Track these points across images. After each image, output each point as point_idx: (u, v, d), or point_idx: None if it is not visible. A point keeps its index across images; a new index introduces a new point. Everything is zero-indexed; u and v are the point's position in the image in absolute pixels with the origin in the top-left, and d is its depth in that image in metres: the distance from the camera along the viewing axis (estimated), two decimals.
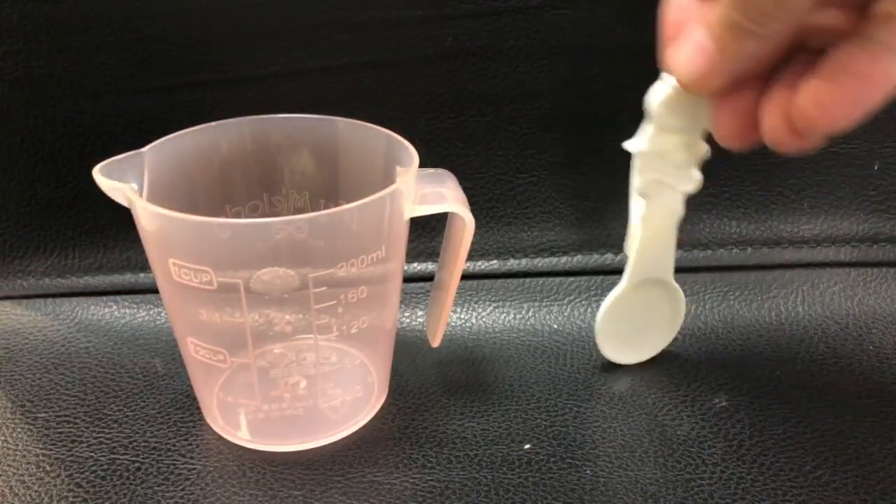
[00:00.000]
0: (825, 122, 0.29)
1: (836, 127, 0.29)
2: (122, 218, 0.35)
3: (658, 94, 0.35)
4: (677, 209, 0.38)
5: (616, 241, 0.47)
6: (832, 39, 0.29)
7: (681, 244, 0.47)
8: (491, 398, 0.39)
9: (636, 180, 0.37)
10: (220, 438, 0.37)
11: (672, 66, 0.32)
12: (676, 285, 0.40)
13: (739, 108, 0.31)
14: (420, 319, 0.46)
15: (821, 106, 0.28)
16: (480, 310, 0.46)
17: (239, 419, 0.37)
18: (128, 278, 0.47)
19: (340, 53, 0.42)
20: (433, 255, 0.47)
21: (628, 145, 0.36)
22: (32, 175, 0.45)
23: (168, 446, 0.36)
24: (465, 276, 0.46)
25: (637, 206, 0.38)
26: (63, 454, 0.36)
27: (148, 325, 0.45)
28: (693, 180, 0.37)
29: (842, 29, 0.29)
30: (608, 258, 0.47)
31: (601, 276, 0.47)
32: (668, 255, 0.40)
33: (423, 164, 0.35)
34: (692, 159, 0.36)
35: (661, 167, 0.36)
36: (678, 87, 0.33)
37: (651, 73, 0.43)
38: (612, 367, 0.42)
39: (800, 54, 0.30)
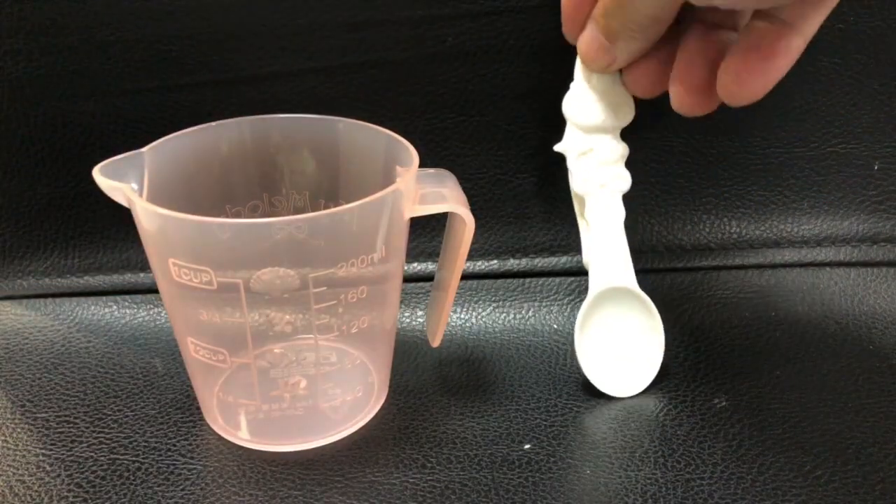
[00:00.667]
0: (744, 93, 0.33)
1: (754, 96, 0.33)
2: (122, 218, 0.35)
3: (568, 96, 0.39)
4: (618, 209, 0.40)
5: None
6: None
7: (681, 244, 0.47)
8: (491, 398, 0.39)
9: (571, 181, 0.40)
10: (220, 438, 0.37)
11: (579, 51, 0.37)
12: (645, 295, 0.39)
13: (645, 72, 0.37)
14: (420, 319, 0.46)
15: (739, 79, 0.33)
16: (480, 310, 0.46)
17: (239, 419, 0.37)
18: (128, 278, 0.47)
19: (340, 53, 0.42)
20: (433, 255, 0.47)
21: (557, 147, 0.40)
22: (32, 175, 0.45)
23: (168, 446, 0.36)
24: (465, 276, 0.46)
25: (579, 209, 0.41)
26: (63, 454, 0.36)
27: (148, 325, 0.45)
28: (624, 179, 0.40)
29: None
30: None
31: None
32: (624, 260, 0.39)
33: (423, 164, 0.35)
34: (617, 157, 0.39)
35: (589, 166, 0.39)
36: (584, 88, 0.39)
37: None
38: None
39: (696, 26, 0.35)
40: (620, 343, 0.40)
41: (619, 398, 0.39)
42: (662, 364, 0.41)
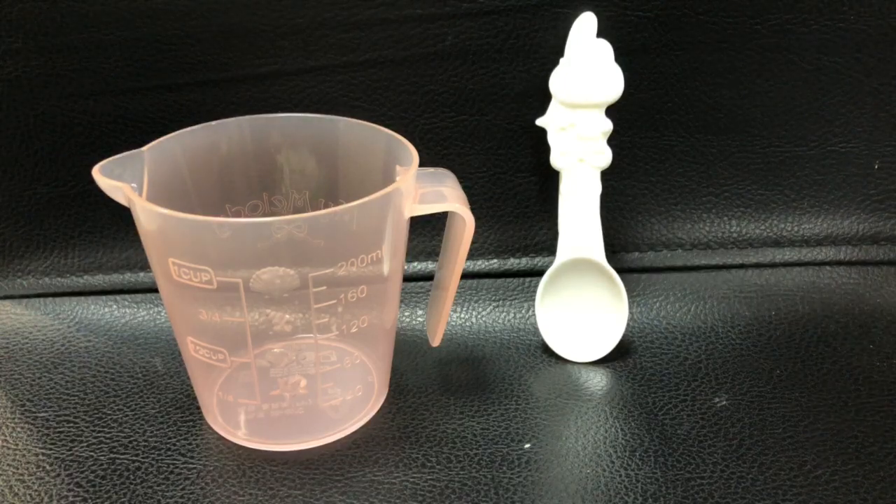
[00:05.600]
0: None
1: None
2: (122, 218, 0.35)
3: (555, 73, 0.41)
4: (594, 184, 0.41)
5: (615, 241, 0.47)
6: None
7: (681, 244, 0.47)
8: (491, 398, 0.39)
9: (551, 154, 0.41)
10: (220, 438, 0.37)
11: None
12: (612, 269, 0.41)
13: None
14: (420, 319, 0.46)
15: None
16: (480, 310, 0.46)
17: (239, 419, 0.37)
18: (127, 278, 0.47)
19: (340, 53, 0.42)
20: (433, 254, 0.47)
21: (539, 121, 0.42)
22: (32, 175, 0.45)
23: (168, 446, 0.36)
24: (465, 276, 0.46)
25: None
26: (63, 454, 0.36)
27: (148, 325, 0.45)
28: (603, 155, 0.41)
29: None
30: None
31: None
32: (594, 233, 0.41)
33: (422, 164, 0.35)
34: (598, 134, 0.41)
35: (569, 141, 0.41)
36: (572, 65, 0.40)
37: (650, 71, 0.44)
38: (611, 368, 0.42)
39: None
40: (582, 312, 0.42)
41: (618, 391, 0.39)
42: (663, 364, 0.41)
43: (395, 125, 0.38)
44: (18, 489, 0.34)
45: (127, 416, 0.38)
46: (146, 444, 0.37)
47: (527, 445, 0.36)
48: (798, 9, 0.42)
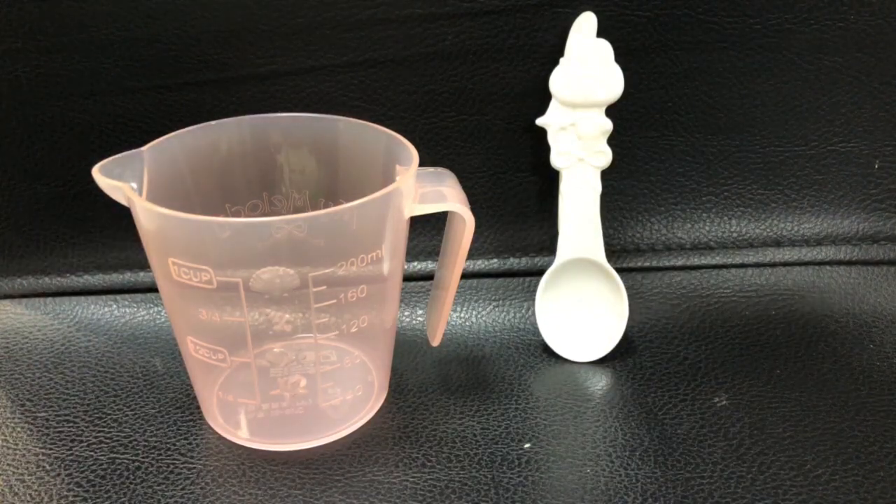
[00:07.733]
0: None
1: None
2: (122, 217, 0.35)
3: (556, 72, 0.41)
4: (594, 184, 0.41)
5: (615, 241, 0.47)
6: None
7: (681, 244, 0.47)
8: (491, 397, 0.39)
9: (551, 154, 0.42)
10: (220, 438, 0.37)
11: None
12: (612, 269, 0.42)
13: None
14: (420, 318, 0.46)
15: None
16: (480, 309, 0.46)
17: (239, 418, 0.37)
18: (127, 277, 0.47)
19: (340, 52, 0.42)
20: (433, 253, 0.47)
21: (539, 121, 0.42)
22: (32, 175, 0.45)
23: (168, 445, 0.36)
24: (465, 276, 0.46)
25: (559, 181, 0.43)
26: (63, 453, 0.36)
27: (148, 325, 0.45)
28: (603, 154, 0.41)
29: None
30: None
31: None
32: (594, 233, 0.42)
33: (422, 163, 0.35)
34: (597, 134, 0.41)
35: (569, 140, 0.41)
36: (572, 65, 0.40)
37: (650, 71, 0.44)
38: (612, 367, 0.42)
39: None
40: (582, 312, 0.42)
41: (618, 391, 0.39)
42: (663, 363, 0.41)
43: (395, 125, 0.38)
44: (18, 489, 0.34)
45: (127, 416, 0.38)
46: (146, 443, 0.37)
47: (527, 445, 0.36)
48: (798, 9, 0.42)
